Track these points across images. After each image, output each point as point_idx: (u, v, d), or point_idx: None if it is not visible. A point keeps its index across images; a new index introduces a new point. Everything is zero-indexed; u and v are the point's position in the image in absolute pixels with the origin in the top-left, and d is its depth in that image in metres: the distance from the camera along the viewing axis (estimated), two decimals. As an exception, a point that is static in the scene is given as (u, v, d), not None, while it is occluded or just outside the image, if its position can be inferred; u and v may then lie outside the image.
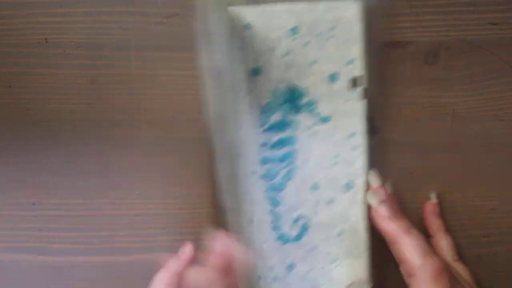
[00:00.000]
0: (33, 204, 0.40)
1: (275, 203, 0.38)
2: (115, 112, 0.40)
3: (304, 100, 0.38)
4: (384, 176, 0.40)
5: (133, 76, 0.40)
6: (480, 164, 0.40)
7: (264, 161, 0.38)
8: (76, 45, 0.39)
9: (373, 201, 0.38)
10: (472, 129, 0.40)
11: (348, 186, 0.38)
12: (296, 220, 0.38)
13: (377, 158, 0.40)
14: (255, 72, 0.37)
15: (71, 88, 0.40)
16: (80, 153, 0.40)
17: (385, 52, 0.40)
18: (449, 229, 0.40)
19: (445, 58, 0.40)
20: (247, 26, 0.37)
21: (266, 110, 0.38)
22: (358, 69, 0.37)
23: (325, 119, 0.38)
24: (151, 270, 0.40)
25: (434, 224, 0.39)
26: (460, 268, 0.39)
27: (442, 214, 0.40)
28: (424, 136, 0.40)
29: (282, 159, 0.38)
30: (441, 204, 0.40)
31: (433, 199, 0.40)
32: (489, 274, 0.41)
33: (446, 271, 0.35)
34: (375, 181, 0.38)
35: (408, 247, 0.36)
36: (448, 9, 0.39)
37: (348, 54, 0.37)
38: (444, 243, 0.39)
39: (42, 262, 0.40)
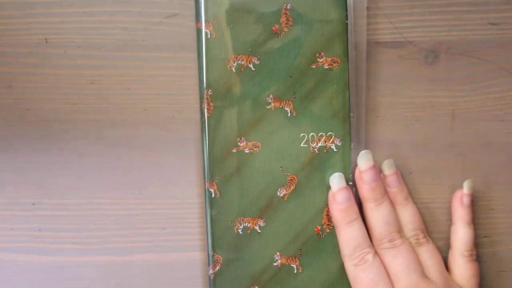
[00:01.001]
0: (33, 204, 0.40)
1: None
2: (115, 112, 0.40)
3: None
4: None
5: (133, 76, 0.40)
6: (480, 164, 0.40)
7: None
8: (76, 45, 0.39)
9: (334, 185, 0.37)
10: (472, 129, 0.40)
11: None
12: None
13: (376, 158, 0.40)
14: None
15: (71, 88, 0.40)
16: (80, 153, 0.40)
17: (385, 52, 0.40)
18: (449, 229, 0.40)
19: (445, 58, 0.40)
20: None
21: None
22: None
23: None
24: (151, 270, 0.40)
25: (458, 212, 0.39)
26: (462, 265, 0.38)
27: (472, 207, 0.39)
28: (424, 136, 0.40)
29: None
30: (447, 204, 0.40)
31: (465, 189, 0.39)
32: (489, 274, 0.41)
33: (371, 261, 0.36)
34: (364, 163, 0.38)
35: (343, 238, 0.37)
36: (448, 9, 0.39)
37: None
38: (459, 234, 0.38)
39: (42, 262, 0.40)
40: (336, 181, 0.37)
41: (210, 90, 0.37)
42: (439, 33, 0.39)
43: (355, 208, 0.37)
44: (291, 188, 0.38)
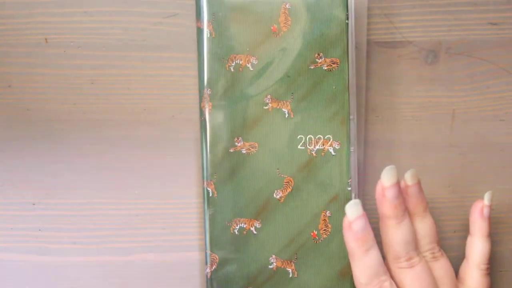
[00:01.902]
0: (33, 204, 0.40)
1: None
2: (115, 112, 0.40)
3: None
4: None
5: (133, 76, 0.40)
6: (480, 164, 0.40)
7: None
8: (76, 45, 0.39)
9: (350, 214, 0.35)
10: (472, 129, 0.40)
11: None
12: None
13: (376, 158, 0.40)
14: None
15: (71, 88, 0.40)
16: (80, 153, 0.40)
17: (385, 52, 0.40)
18: (449, 229, 0.40)
19: (445, 58, 0.40)
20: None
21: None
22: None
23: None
24: (151, 270, 0.40)
25: (477, 224, 0.38)
26: (477, 278, 0.37)
27: (488, 217, 0.38)
28: (424, 136, 0.40)
29: None
30: (447, 204, 0.40)
31: (486, 200, 0.38)
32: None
33: None
34: (388, 180, 0.35)
35: (359, 266, 0.35)
36: (448, 9, 0.39)
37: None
38: (477, 246, 0.38)
39: (42, 262, 0.40)
40: (353, 209, 0.35)
41: (209, 89, 0.37)
42: (439, 33, 0.39)
43: (371, 235, 0.36)
44: (288, 191, 0.38)
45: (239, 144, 0.37)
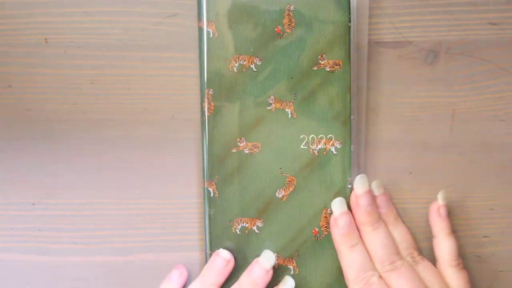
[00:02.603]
0: (33, 204, 0.40)
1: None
2: (115, 112, 0.40)
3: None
4: (383, 178, 0.40)
5: (133, 76, 0.40)
6: (480, 164, 0.40)
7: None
8: (76, 45, 0.39)
9: (336, 210, 0.37)
10: (472, 129, 0.40)
11: None
12: None
13: (376, 158, 0.40)
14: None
15: (71, 88, 0.40)
16: (80, 153, 0.40)
17: (385, 52, 0.40)
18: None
19: (445, 58, 0.40)
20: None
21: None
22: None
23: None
24: (151, 270, 0.40)
25: (437, 225, 0.39)
26: (453, 276, 0.38)
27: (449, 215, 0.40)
28: (424, 136, 0.40)
29: None
30: (447, 202, 0.40)
31: (440, 200, 0.39)
32: (489, 274, 0.41)
33: (377, 284, 0.36)
34: (360, 188, 0.37)
35: (346, 262, 0.37)
36: (448, 9, 0.39)
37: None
38: (443, 246, 0.39)
39: (42, 262, 0.40)
40: (338, 206, 0.37)
41: (211, 90, 0.37)
42: (439, 33, 0.39)
43: (357, 233, 0.37)
44: (290, 190, 0.38)
45: (242, 144, 0.37)
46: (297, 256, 0.38)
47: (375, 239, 0.37)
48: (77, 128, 0.40)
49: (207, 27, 0.37)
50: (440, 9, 0.39)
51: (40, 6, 0.39)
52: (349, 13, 0.37)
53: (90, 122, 0.40)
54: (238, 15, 0.37)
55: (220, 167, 0.38)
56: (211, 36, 0.37)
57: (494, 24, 0.39)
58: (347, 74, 0.37)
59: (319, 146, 0.38)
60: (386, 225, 0.38)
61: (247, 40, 0.37)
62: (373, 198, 0.38)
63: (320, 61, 0.37)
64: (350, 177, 0.38)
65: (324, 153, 0.38)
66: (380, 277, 0.36)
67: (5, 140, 0.40)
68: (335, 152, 0.38)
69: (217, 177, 0.38)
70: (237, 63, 0.37)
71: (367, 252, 0.37)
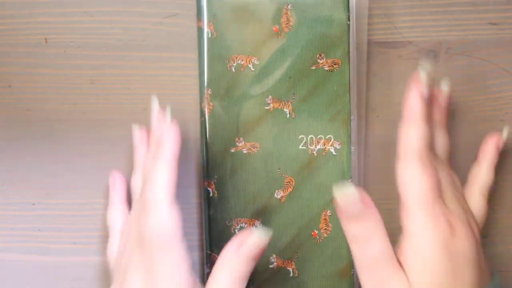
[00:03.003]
0: (33, 204, 0.40)
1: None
2: (115, 112, 0.40)
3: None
4: (383, 178, 0.40)
5: (133, 76, 0.40)
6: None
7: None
8: (76, 45, 0.39)
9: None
10: (472, 129, 0.40)
11: None
12: None
13: (376, 158, 0.40)
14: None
15: (71, 88, 0.40)
16: (80, 153, 0.40)
17: (385, 52, 0.40)
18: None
19: (445, 58, 0.40)
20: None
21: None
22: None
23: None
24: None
25: (488, 154, 0.38)
26: (479, 203, 0.38)
27: None
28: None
29: None
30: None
31: (504, 135, 0.39)
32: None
33: (435, 167, 0.34)
34: (423, 77, 0.34)
35: (414, 131, 0.34)
36: (448, 9, 0.39)
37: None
38: (485, 175, 0.38)
39: (42, 262, 0.40)
40: (425, 73, 0.34)
41: (210, 90, 0.37)
42: (439, 33, 0.39)
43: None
44: (289, 191, 0.38)
45: (240, 144, 0.37)
46: (296, 258, 0.38)
47: (421, 133, 0.34)
48: (77, 128, 0.40)
49: (206, 27, 0.37)
50: (440, 9, 0.39)
51: (40, 6, 0.39)
52: (348, 12, 0.37)
53: (90, 122, 0.40)
54: (236, 15, 0.37)
55: (219, 167, 0.37)
56: (210, 36, 0.37)
57: (494, 24, 0.39)
58: (346, 73, 0.37)
59: (318, 147, 0.38)
60: (435, 129, 0.37)
61: (245, 40, 0.37)
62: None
63: (318, 60, 0.37)
64: (350, 178, 0.38)
65: (323, 153, 0.38)
66: None
67: (5, 140, 0.40)
68: (334, 153, 0.38)
69: (216, 177, 0.38)
70: (235, 62, 0.37)
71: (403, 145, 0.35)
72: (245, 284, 0.33)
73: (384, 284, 0.32)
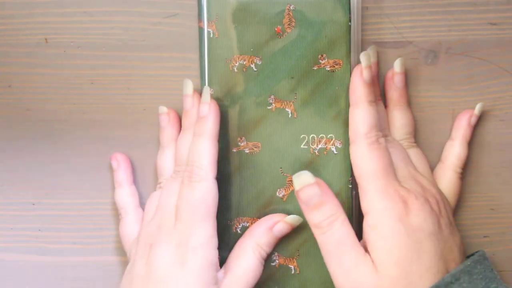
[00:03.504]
0: (33, 204, 0.40)
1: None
2: (115, 112, 0.40)
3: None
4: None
5: (133, 76, 0.40)
6: (480, 164, 0.40)
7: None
8: (76, 45, 0.39)
9: (364, 61, 0.36)
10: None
11: None
12: None
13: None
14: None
15: (71, 88, 0.40)
16: (80, 153, 0.40)
17: (385, 52, 0.40)
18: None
19: (445, 58, 0.40)
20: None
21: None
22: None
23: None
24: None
25: (460, 130, 0.39)
26: (451, 179, 0.38)
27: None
28: (424, 136, 0.40)
29: None
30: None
31: (476, 111, 0.39)
32: (489, 274, 0.41)
33: (384, 145, 0.35)
34: (365, 61, 0.36)
35: (362, 115, 0.35)
36: (448, 9, 0.39)
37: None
38: (456, 150, 0.38)
39: (42, 262, 0.40)
40: (367, 58, 0.35)
41: (211, 89, 0.37)
42: (439, 33, 0.39)
43: (376, 91, 0.37)
44: (291, 189, 0.38)
45: (242, 144, 0.37)
46: (298, 255, 0.38)
47: (368, 113, 0.35)
48: (77, 128, 0.40)
49: (207, 27, 0.37)
50: (440, 9, 0.39)
51: (40, 6, 0.39)
52: (349, 13, 0.37)
53: (90, 122, 0.40)
54: (238, 15, 0.37)
55: (221, 167, 0.37)
56: (211, 36, 0.37)
57: (494, 24, 0.39)
58: (347, 73, 0.37)
59: (320, 146, 0.38)
60: (395, 107, 0.38)
61: (247, 40, 0.37)
62: (374, 75, 0.38)
63: (320, 61, 0.37)
64: (351, 177, 0.38)
65: (325, 152, 0.38)
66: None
67: (5, 140, 0.40)
68: (335, 152, 0.38)
69: (218, 176, 0.38)
70: (238, 63, 0.37)
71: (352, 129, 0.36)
72: (262, 265, 0.36)
73: (351, 270, 0.34)
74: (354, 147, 0.36)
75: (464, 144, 0.39)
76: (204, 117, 0.36)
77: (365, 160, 0.35)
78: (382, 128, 0.37)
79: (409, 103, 0.39)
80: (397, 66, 0.38)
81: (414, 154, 0.38)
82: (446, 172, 0.39)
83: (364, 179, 0.35)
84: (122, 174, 0.39)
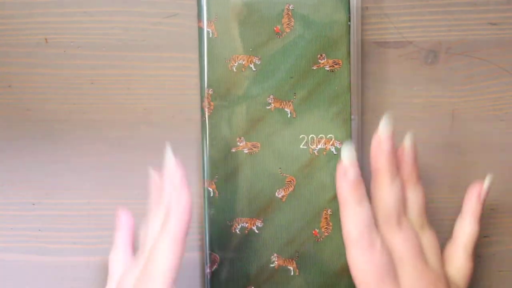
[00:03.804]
0: (33, 204, 0.40)
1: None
2: (115, 112, 0.40)
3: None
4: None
5: (133, 76, 0.40)
6: (480, 164, 0.40)
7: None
8: (76, 45, 0.39)
9: (346, 159, 0.34)
10: (472, 129, 0.40)
11: None
12: None
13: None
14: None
15: (71, 88, 0.40)
16: (80, 153, 0.40)
17: (385, 52, 0.40)
18: (449, 229, 0.40)
19: (445, 58, 0.40)
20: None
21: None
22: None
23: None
24: (151, 270, 0.40)
25: (471, 206, 0.37)
26: (463, 261, 0.36)
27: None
28: (424, 136, 0.40)
29: None
30: (447, 204, 0.40)
31: (486, 185, 0.37)
32: (489, 274, 0.41)
33: (380, 247, 0.33)
34: (386, 130, 0.34)
35: (352, 218, 0.34)
36: (448, 9, 0.39)
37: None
38: (469, 229, 0.37)
39: (42, 262, 0.40)
40: (348, 154, 0.34)
41: (210, 89, 0.37)
42: (439, 33, 0.39)
43: (364, 187, 0.34)
44: (290, 190, 0.38)
45: (241, 144, 0.37)
46: (297, 257, 0.38)
47: (390, 190, 0.34)
48: (77, 128, 0.40)
49: (206, 27, 0.37)
50: (440, 9, 0.39)
51: (40, 6, 0.39)
52: (349, 12, 0.37)
53: (90, 122, 0.40)
54: (237, 15, 0.37)
55: (220, 167, 0.38)
56: (210, 36, 0.37)
57: (494, 24, 0.39)
58: (347, 73, 0.37)
59: (319, 146, 0.38)
60: (405, 183, 0.36)
61: (246, 40, 0.37)
62: (394, 145, 0.35)
63: (319, 61, 0.37)
64: None
65: (324, 153, 0.38)
66: (383, 240, 0.34)
67: (5, 140, 0.40)
68: (335, 152, 0.38)
69: (217, 176, 0.38)
70: (237, 62, 0.37)
71: (377, 204, 0.35)
72: None
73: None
74: (347, 252, 0.34)
75: (475, 221, 0.37)
76: (171, 207, 0.32)
77: (360, 266, 0.33)
78: (398, 212, 0.35)
79: (420, 178, 0.36)
80: (408, 141, 0.36)
81: (427, 239, 0.36)
82: (458, 253, 0.37)
83: (361, 286, 0.33)
84: (121, 234, 0.37)
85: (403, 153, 0.36)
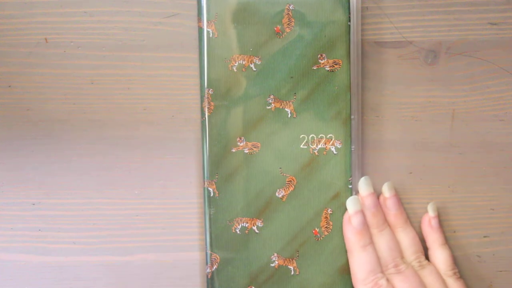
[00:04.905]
0: (33, 204, 0.40)
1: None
2: (115, 112, 0.40)
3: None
4: (382, 177, 0.40)
5: (133, 76, 0.40)
6: (480, 164, 0.40)
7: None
8: (76, 45, 0.39)
9: (350, 208, 0.38)
10: (472, 129, 0.40)
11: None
12: None
13: (376, 158, 0.40)
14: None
15: (71, 88, 0.40)
16: (80, 153, 0.40)
17: (385, 52, 0.40)
18: (449, 229, 0.40)
19: (445, 58, 0.40)
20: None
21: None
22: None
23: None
24: (151, 270, 0.40)
25: (430, 236, 0.39)
26: (451, 286, 0.38)
27: (442, 225, 0.40)
28: (424, 136, 0.40)
29: None
30: (447, 204, 0.40)
31: (431, 212, 0.39)
32: (489, 274, 0.41)
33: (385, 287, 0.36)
34: (364, 190, 0.38)
35: (357, 262, 0.37)
36: (448, 9, 0.39)
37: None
38: (438, 256, 0.39)
39: (42, 262, 0.40)
40: (352, 204, 0.38)
41: (211, 89, 0.37)
42: (439, 33, 0.39)
43: (369, 233, 0.38)
44: (290, 189, 0.38)
45: (241, 144, 0.38)
46: (297, 256, 0.38)
47: (380, 240, 0.37)
48: (77, 128, 0.40)
49: (206, 27, 0.37)
50: (440, 9, 0.39)
51: (40, 6, 0.39)
52: (349, 12, 0.37)
53: (90, 122, 0.40)
54: (238, 15, 0.37)
55: (220, 167, 0.38)
56: (211, 36, 0.37)
57: (494, 24, 0.39)
58: (347, 73, 0.37)
59: (319, 146, 0.38)
60: (394, 229, 0.39)
61: (247, 40, 0.37)
62: (377, 200, 0.38)
63: (319, 61, 0.37)
64: (350, 177, 0.38)
65: (324, 152, 0.38)
66: (388, 280, 0.37)
67: (5, 140, 0.40)
68: (335, 152, 0.38)
69: (217, 176, 0.38)
70: (237, 62, 0.37)
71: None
72: None
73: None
74: None
75: (441, 247, 0.39)
76: None
77: None
78: (393, 257, 0.37)
79: (408, 221, 0.39)
80: (386, 191, 0.39)
81: (428, 273, 0.38)
82: (445, 276, 0.39)
83: None
84: None
85: (384, 202, 0.39)
